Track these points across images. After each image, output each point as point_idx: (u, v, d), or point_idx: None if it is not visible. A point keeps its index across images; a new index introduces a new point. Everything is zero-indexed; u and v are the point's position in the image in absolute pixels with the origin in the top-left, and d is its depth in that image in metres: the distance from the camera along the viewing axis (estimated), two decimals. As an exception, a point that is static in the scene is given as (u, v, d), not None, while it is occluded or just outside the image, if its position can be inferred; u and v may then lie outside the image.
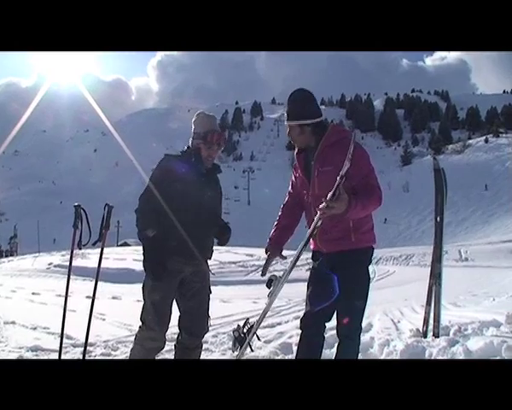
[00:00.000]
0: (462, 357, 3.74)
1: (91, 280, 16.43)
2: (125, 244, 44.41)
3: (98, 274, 4.00)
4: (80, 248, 3.77)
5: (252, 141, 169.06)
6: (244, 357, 5.20)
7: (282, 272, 3.51)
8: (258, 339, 3.75)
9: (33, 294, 12.07)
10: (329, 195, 3.03)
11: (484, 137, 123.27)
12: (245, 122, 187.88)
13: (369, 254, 3.45)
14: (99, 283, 4.32)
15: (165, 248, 3.44)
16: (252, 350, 3.81)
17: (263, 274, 3.66)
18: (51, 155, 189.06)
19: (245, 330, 3.56)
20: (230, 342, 5.70)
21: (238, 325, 3.61)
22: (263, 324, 7.53)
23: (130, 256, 21.89)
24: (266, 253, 3.68)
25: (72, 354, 5.42)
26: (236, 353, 3.61)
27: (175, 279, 3.53)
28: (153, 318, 3.49)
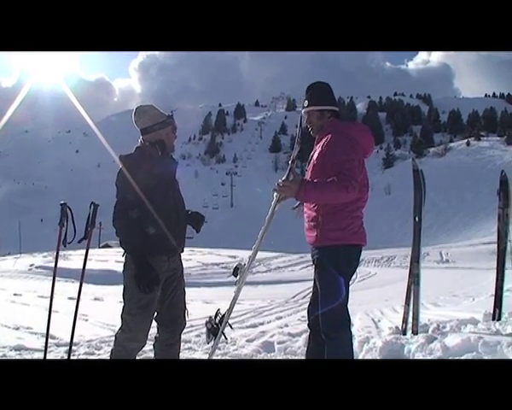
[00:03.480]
0: (439, 353, 3.83)
1: (73, 282, 16.33)
2: (107, 246, 44.01)
3: (83, 273, 4.01)
4: (65, 246, 3.78)
5: (235, 143, 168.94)
6: (224, 352, 5.27)
7: (246, 260, 3.65)
8: (231, 328, 3.79)
9: (15, 295, 11.99)
10: (284, 177, 3.19)
11: (465, 141, 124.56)
12: (228, 124, 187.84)
13: (337, 254, 3.34)
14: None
15: (153, 249, 3.41)
16: (226, 338, 3.88)
17: None
18: (33, 156, 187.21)
19: (217, 321, 3.61)
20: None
21: (210, 317, 3.66)
22: (246, 323, 7.64)
23: (113, 258, 21.76)
24: None
25: (56, 353, 5.45)
26: (211, 343, 3.67)
27: (162, 280, 3.50)
28: (138, 321, 3.46)
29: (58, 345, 5.75)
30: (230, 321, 3.76)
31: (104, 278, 16.66)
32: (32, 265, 20.06)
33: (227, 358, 5.01)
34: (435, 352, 3.87)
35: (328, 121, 3.49)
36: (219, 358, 4.91)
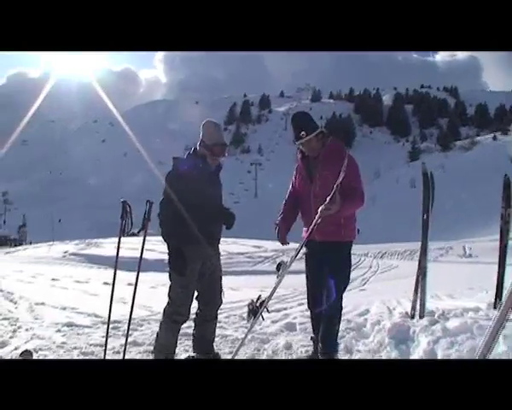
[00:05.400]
0: (439, 334, 4.37)
1: (106, 268, 17.09)
2: (133, 234, 44.79)
3: (140, 262, 4.67)
4: (124, 236, 4.50)
5: (259, 134, 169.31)
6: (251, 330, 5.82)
7: (288, 259, 4.32)
8: (268, 311, 4.46)
9: (53, 279, 12.74)
10: (328, 199, 3.92)
11: (492, 135, 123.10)
12: (253, 115, 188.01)
13: (351, 246, 4.42)
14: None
15: (188, 240, 4.16)
16: (263, 319, 4.60)
17: (283, 243, 4.50)
18: (59, 145, 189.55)
19: (257, 304, 4.30)
20: (241, 322, 6.46)
21: (252, 300, 4.35)
22: (270, 308, 8.20)
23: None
24: (278, 235, 4.49)
25: (103, 329, 6.10)
26: (251, 322, 4.34)
27: (198, 265, 4.28)
28: (181, 297, 4.26)
29: (104, 322, 6.42)
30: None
31: (135, 265, 17.30)
32: (65, 252, 20.87)
33: (232, 358, 5.35)
34: (436, 333, 4.42)
35: (326, 140, 4.33)
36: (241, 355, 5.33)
